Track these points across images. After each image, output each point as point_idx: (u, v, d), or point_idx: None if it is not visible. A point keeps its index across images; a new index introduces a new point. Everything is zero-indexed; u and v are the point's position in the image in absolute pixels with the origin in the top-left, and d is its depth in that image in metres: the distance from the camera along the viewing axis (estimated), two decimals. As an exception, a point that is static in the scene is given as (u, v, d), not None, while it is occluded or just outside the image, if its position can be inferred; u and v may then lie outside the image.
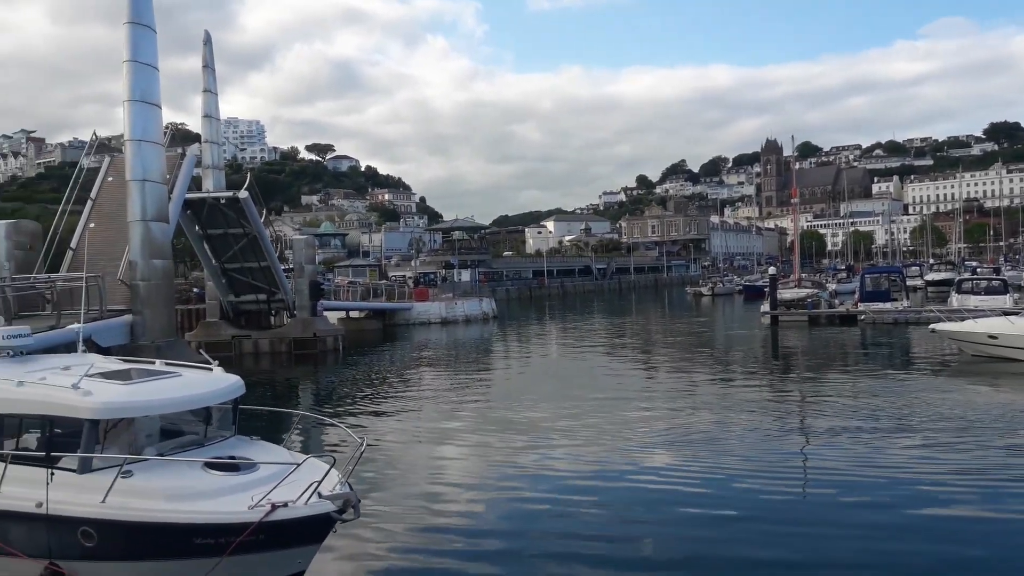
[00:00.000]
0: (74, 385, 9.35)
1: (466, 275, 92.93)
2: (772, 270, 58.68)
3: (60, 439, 9.51)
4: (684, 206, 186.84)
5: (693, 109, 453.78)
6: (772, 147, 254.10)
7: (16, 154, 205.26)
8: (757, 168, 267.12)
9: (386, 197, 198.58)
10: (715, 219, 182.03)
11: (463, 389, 28.09)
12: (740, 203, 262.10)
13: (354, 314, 56.07)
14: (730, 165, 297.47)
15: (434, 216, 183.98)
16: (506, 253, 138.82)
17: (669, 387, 26.29)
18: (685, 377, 28.76)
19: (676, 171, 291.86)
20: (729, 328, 53.26)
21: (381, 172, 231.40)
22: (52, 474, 9.07)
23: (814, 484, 14.29)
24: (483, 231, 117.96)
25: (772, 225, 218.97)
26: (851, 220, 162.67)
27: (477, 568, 10.85)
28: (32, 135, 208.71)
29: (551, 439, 18.24)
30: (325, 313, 46.10)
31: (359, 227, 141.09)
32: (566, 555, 11.07)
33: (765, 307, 50.60)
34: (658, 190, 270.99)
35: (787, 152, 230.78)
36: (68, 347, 17.11)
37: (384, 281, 74.19)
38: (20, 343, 11.38)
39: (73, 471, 9.11)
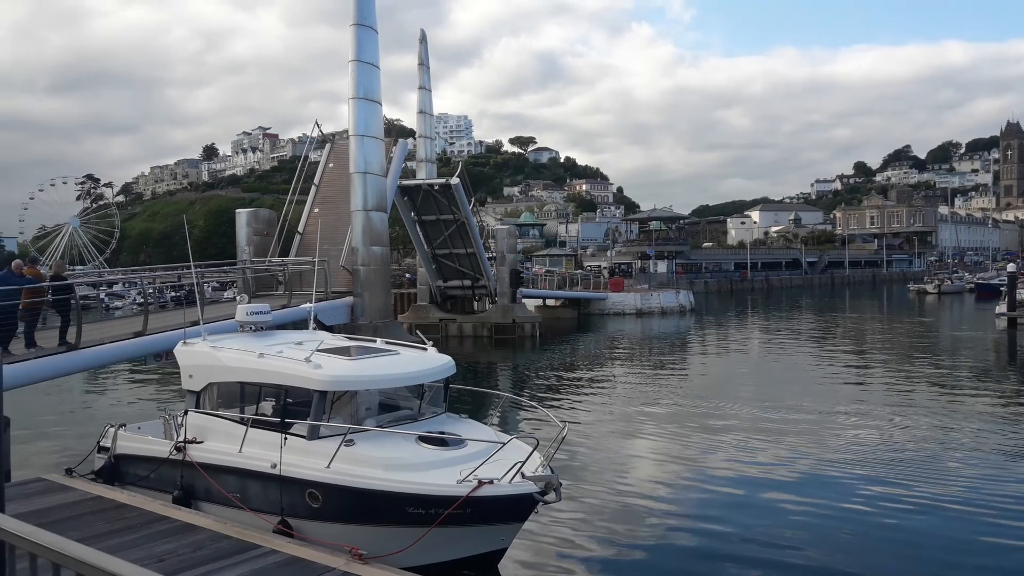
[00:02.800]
0: (306, 359, 10.26)
1: (663, 266, 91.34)
2: (1011, 267, 52.22)
3: (292, 407, 10.48)
4: (908, 195, 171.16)
5: (921, 89, 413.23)
6: (1014, 130, 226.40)
7: (254, 149, 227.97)
8: (995, 154, 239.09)
9: (583, 188, 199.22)
10: (944, 210, 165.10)
11: (657, 384, 27.69)
12: (974, 192, 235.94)
13: (550, 302, 57.06)
14: (963, 151, 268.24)
15: (631, 206, 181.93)
16: (706, 244, 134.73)
17: (882, 395, 24.09)
18: (902, 384, 26.38)
19: (899, 157, 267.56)
20: (957, 330, 48.35)
21: (580, 163, 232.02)
22: (285, 439, 10.00)
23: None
24: (681, 221, 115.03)
25: (1011, 217, 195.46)
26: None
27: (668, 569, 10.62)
28: (267, 131, 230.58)
29: (747, 443, 17.46)
30: (524, 300, 47.35)
31: (556, 217, 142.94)
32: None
33: (1001, 308, 45.60)
34: (878, 178, 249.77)
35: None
36: (297, 324, 18.84)
37: (580, 271, 74.85)
38: (261, 319, 12.69)
39: (303, 437, 10.01)
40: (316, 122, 36.31)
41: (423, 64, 45.87)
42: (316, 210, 32.78)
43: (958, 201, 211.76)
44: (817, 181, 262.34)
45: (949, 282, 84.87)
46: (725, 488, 14.09)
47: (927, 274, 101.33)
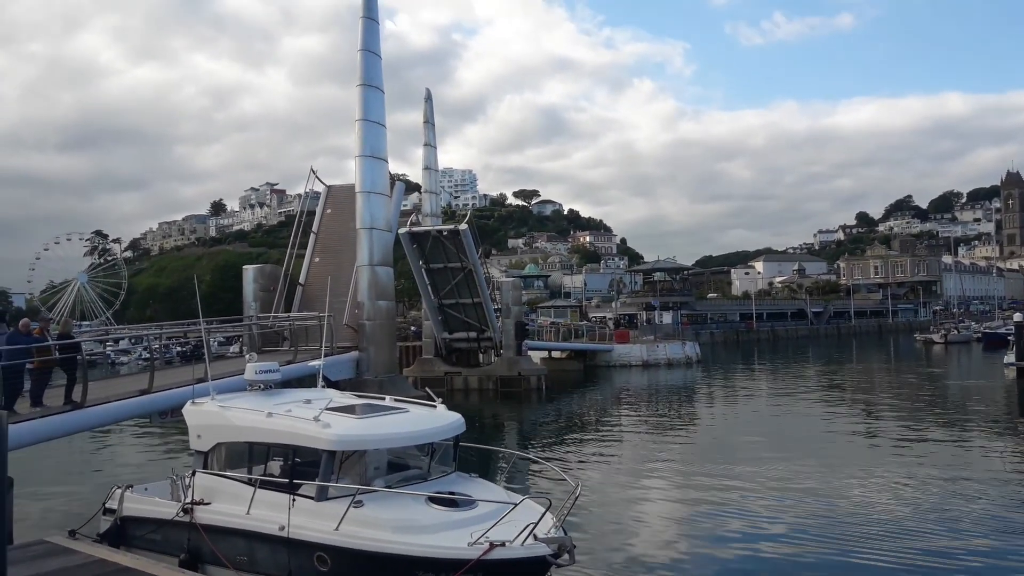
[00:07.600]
0: (315, 418, 10.17)
1: (668, 317, 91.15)
2: (1018, 316, 52.07)
3: (301, 467, 10.35)
4: (911, 245, 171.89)
5: (921, 140, 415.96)
6: (1015, 180, 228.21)
7: (261, 204, 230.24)
8: (996, 203, 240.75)
9: (587, 239, 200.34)
10: (947, 259, 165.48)
11: (667, 439, 27.35)
12: (976, 242, 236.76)
13: (556, 354, 56.78)
14: (964, 200, 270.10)
15: (635, 257, 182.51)
16: (710, 295, 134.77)
17: (891, 448, 23.80)
18: (910, 436, 25.98)
19: (901, 207, 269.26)
20: (966, 379, 47.94)
21: (583, 215, 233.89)
22: (293, 500, 9.85)
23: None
24: (685, 272, 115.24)
25: (1016, 266, 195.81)
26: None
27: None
28: (275, 187, 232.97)
29: (758, 500, 17.18)
30: (529, 353, 47.17)
31: (561, 269, 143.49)
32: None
33: (1009, 357, 45.25)
34: (881, 228, 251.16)
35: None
36: (301, 380, 18.75)
37: (585, 322, 74.71)
38: (270, 378, 12.61)
39: (311, 498, 9.86)
40: (312, 169, 35.33)
41: (428, 122, 46.66)
42: (317, 259, 32.73)
43: (961, 250, 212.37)
44: (820, 232, 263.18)
45: (955, 332, 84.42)
46: (736, 551, 13.82)
47: (933, 324, 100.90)
